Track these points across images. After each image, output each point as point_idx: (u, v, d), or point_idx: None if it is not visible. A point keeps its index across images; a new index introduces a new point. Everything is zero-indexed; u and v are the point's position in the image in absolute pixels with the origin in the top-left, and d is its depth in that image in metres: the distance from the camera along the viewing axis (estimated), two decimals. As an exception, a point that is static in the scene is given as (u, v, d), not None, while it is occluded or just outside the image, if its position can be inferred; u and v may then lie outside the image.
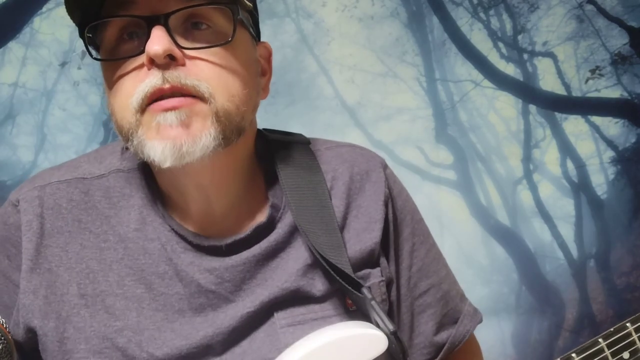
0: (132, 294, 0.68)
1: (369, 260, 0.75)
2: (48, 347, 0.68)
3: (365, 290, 0.70)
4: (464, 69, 8.10)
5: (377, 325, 0.69)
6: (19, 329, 0.70)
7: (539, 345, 7.47)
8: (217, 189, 0.71)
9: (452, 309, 0.84)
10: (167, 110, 0.64)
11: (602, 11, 5.58)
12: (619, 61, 5.74)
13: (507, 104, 9.30)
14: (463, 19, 7.09)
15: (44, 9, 6.37)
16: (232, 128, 0.67)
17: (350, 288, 0.70)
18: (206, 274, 0.69)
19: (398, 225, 0.80)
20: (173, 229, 0.70)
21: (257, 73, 0.74)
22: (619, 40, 5.99)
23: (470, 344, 0.87)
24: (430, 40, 9.19)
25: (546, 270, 7.92)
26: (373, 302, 0.69)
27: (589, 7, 5.96)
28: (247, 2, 0.68)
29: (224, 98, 0.66)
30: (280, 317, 0.70)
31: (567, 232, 7.20)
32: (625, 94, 6.19)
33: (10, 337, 0.67)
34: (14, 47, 8.33)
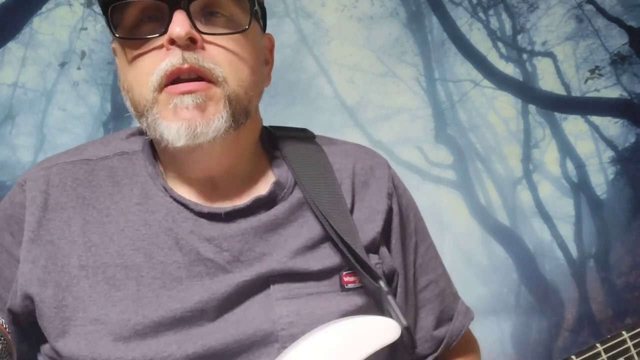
0: (131, 262, 0.70)
1: (369, 248, 0.78)
2: (45, 313, 0.70)
3: (382, 283, 0.73)
4: (463, 69, 8.11)
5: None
6: (16, 297, 0.71)
7: (538, 345, 7.48)
8: (222, 169, 0.74)
9: (448, 306, 0.86)
10: (184, 93, 0.68)
11: (601, 11, 5.58)
12: (618, 61, 5.75)
13: (506, 104, 9.31)
14: (462, 19, 7.09)
15: (44, 9, 6.38)
16: (240, 111, 0.71)
17: (367, 275, 0.73)
18: (205, 242, 0.71)
19: (404, 221, 0.83)
20: (175, 199, 0.73)
21: (263, 62, 0.79)
22: (618, 40, 6.00)
23: (469, 341, 0.89)
24: (429, 40, 9.19)
25: (546, 270, 7.93)
26: (389, 297, 0.72)
27: (589, 7, 5.96)
28: None
29: (235, 83, 0.70)
30: (277, 290, 0.71)
31: (567, 232, 7.20)
32: (625, 94, 6.20)
33: (10, 337, 0.67)
34: (14, 48, 8.34)
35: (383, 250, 0.79)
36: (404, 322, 0.71)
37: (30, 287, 0.70)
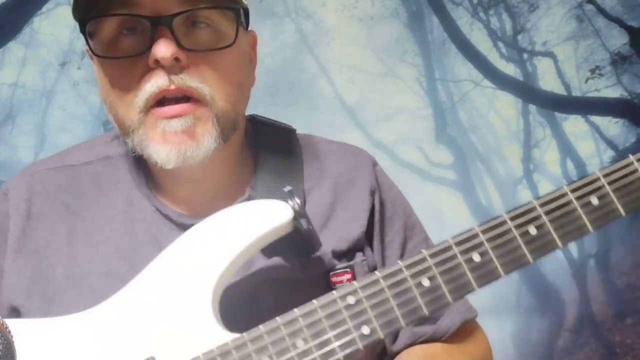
0: (116, 272, 0.69)
1: (355, 247, 0.77)
2: None
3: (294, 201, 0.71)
4: (463, 69, 8.11)
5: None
6: (2, 308, 0.70)
7: (539, 345, 7.48)
8: (208, 178, 0.73)
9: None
10: (171, 117, 0.66)
11: (601, 11, 5.58)
12: (618, 61, 5.74)
13: (507, 104, 9.32)
14: (463, 19, 7.09)
15: (44, 9, 6.37)
16: (229, 127, 0.70)
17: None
18: None
19: (388, 218, 0.82)
20: (158, 210, 0.72)
21: (249, 65, 0.76)
22: (618, 40, 6.00)
23: (476, 336, 0.86)
24: (430, 40, 9.19)
25: (546, 270, 7.92)
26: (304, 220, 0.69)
27: (589, 7, 5.96)
28: (244, 0, 0.70)
29: (223, 99, 0.68)
30: (266, 299, 0.71)
31: (567, 232, 7.19)
32: (625, 94, 6.20)
33: (10, 337, 0.67)
34: (14, 47, 8.35)
35: (367, 248, 0.78)
36: (300, 210, 0.69)
37: (17, 299, 0.69)
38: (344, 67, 9.49)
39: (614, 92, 6.14)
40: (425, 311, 0.59)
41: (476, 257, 0.60)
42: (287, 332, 0.60)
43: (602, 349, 5.96)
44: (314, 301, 0.59)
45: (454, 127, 10.03)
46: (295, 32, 9.56)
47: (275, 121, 0.85)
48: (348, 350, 0.59)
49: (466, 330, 0.83)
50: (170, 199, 0.73)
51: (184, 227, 0.71)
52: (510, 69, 7.21)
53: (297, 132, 0.85)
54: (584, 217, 0.62)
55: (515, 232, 0.61)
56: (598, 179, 0.62)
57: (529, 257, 0.61)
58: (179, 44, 0.65)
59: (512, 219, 0.61)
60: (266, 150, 0.79)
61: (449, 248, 0.60)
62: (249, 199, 0.74)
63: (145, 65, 0.66)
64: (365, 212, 0.78)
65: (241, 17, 0.70)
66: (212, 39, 0.68)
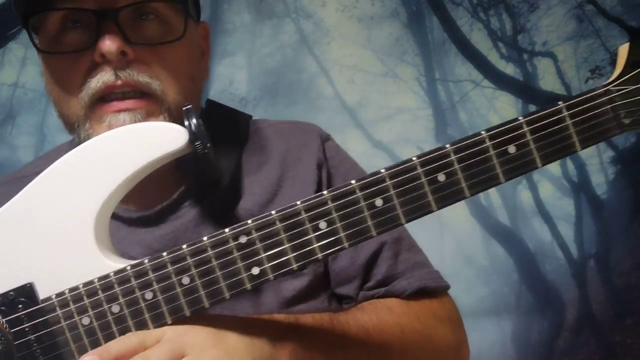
0: None
1: None
2: None
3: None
4: (463, 69, 8.09)
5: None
6: None
7: (539, 345, 7.47)
8: (155, 172, 0.73)
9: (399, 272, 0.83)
10: (120, 111, 0.65)
11: (601, 11, 5.57)
12: (618, 61, 5.74)
13: (507, 104, 9.29)
14: (463, 19, 7.09)
15: (44, 9, 6.36)
16: (182, 119, 0.69)
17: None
18: (136, 246, 0.71)
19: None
20: None
21: (200, 58, 0.75)
22: (618, 40, 5.98)
23: (443, 300, 0.84)
24: (430, 40, 9.18)
25: (546, 270, 7.91)
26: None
27: (589, 7, 5.95)
28: None
29: (175, 92, 0.68)
30: None
31: (567, 232, 7.19)
32: (625, 94, 6.17)
33: (10, 337, 0.67)
34: (14, 48, 8.32)
35: None
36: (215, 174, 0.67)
37: None
38: (344, 67, 9.47)
39: (614, 92, 6.10)
40: (319, 254, 0.58)
41: (379, 202, 0.59)
42: (173, 269, 0.57)
43: (602, 349, 5.96)
44: (204, 238, 0.57)
45: (454, 127, 10.01)
46: (295, 32, 9.54)
47: (231, 109, 0.84)
48: (235, 291, 0.57)
49: (429, 295, 0.81)
50: None
51: (129, 222, 0.71)
52: (510, 69, 7.20)
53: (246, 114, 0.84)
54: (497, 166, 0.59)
55: (424, 179, 0.59)
56: (521, 126, 0.60)
57: (434, 205, 0.59)
58: (125, 38, 0.64)
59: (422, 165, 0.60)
60: (214, 137, 0.79)
61: (352, 192, 0.58)
62: (188, 189, 0.72)
63: (91, 60, 0.65)
64: (312, 185, 0.78)
65: (190, 8, 0.69)
66: (161, 32, 0.67)
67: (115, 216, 0.71)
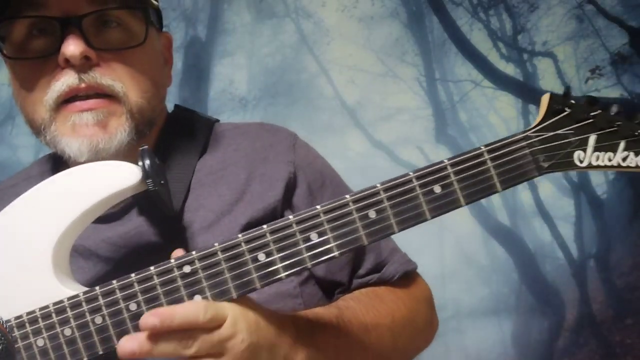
0: None
1: (272, 215, 0.79)
2: None
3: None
4: (463, 69, 8.10)
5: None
6: None
7: (539, 345, 7.47)
8: None
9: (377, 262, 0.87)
10: (83, 111, 0.68)
11: (602, 11, 5.58)
12: (618, 61, 5.74)
13: (507, 104, 9.29)
14: (463, 19, 7.10)
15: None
16: (144, 122, 0.73)
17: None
18: (101, 243, 0.73)
19: (317, 189, 0.84)
20: None
21: (163, 65, 0.79)
22: (618, 40, 5.99)
23: (419, 281, 0.90)
24: (430, 40, 9.18)
25: (546, 270, 7.91)
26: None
27: (589, 7, 5.96)
28: (154, 1, 0.72)
29: (137, 95, 0.71)
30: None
31: (567, 232, 7.20)
32: (625, 94, 6.19)
33: (10, 337, 0.67)
34: (14, 48, 8.31)
35: (288, 212, 0.81)
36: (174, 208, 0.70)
37: None
38: (344, 67, 9.47)
39: (614, 92, 6.13)
40: (258, 285, 0.61)
41: (314, 237, 0.62)
42: (121, 295, 0.61)
43: (602, 349, 5.96)
44: (151, 267, 0.60)
45: (454, 127, 10.01)
46: (295, 32, 9.55)
47: (198, 113, 0.88)
48: None
49: (409, 278, 0.88)
50: None
51: (99, 220, 0.72)
52: (510, 69, 7.21)
53: (224, 121, 0.88)
54: (424, 205, 0.65)
55: (356, 215, 0.63)
56: (446, 167, 0.65)
57: (365, 239, 0.63)
58: (88, 43, 0.67)
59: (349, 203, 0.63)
60: (172, 141, 0.81)
61: (289, 226, 0.62)
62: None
63: (55, 66, 0.67)
64: (281, 181, 0.80)
65: (151, 17, 0.72)
66: (123, 38, 0.70)
67: None
